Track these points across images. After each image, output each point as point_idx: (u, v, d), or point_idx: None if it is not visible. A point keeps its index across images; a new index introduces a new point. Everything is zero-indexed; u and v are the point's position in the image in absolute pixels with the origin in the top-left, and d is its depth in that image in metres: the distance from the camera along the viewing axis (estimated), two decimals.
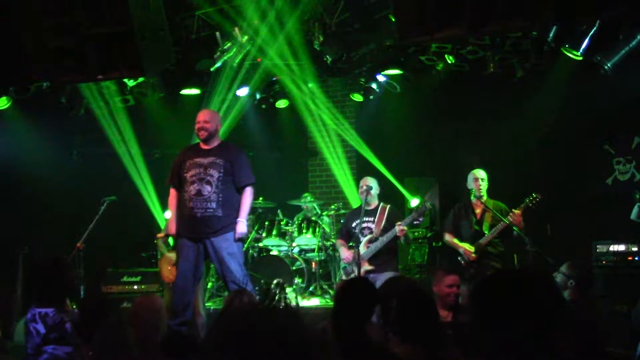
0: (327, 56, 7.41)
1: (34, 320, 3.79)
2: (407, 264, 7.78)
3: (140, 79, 7.65)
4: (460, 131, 8.10)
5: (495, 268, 6.00)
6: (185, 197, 5.60)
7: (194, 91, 8.24)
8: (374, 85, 8.20)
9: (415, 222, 6.41)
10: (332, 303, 6.91)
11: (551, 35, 6.50)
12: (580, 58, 6.50)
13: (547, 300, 1.91)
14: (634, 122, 7.13)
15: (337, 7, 6.95)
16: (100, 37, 3.94)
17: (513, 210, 6.01)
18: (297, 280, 7.60)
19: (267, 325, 1.31)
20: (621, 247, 6.07)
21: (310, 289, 7.75)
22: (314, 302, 7.38)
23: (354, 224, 6.29)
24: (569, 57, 6.58)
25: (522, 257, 6.34)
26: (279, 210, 8.27)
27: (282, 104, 8.90)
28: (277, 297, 5.16)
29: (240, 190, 5.68)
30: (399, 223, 5.99)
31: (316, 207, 8.29)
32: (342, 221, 7.07)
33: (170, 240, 6.56)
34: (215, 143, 5.73)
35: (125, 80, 7.59)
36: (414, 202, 7.96)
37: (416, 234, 7.77)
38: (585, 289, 4.32)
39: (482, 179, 6.23)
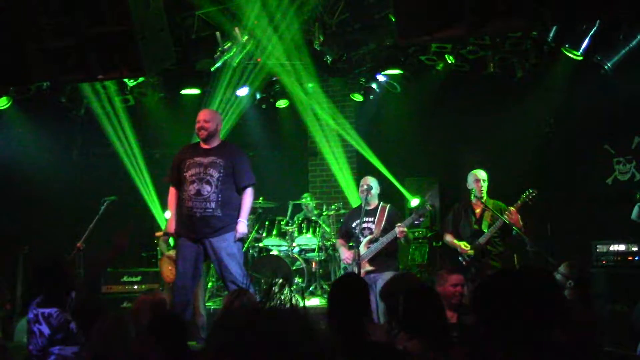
0: (327, 56, 7.41)
1: (37, 321, 3.77)
2: (407, 264, 7.78)
3: (141, 79, 7.65)
4: (461, 131, 8.10)
5: (495, 267, 6.00)
6: (184, 197, 5.60)
7: (194, 91, 8.25)
8: (374, 85, 8.20)
9: (415, 222, 6.41)
10: None
11: (551, 35, 6.51)
12: (580, 58, 6.50)
13: (548, 300, 1.92)
14: (634, 122, 7.13)
15: (337, 7, 6.95)
16: (100, 37, 3.94)
17: (509, 208, 6.02)
18: (297, 280, 7.60)
19: (270, 326, 1.31)
20: (621, 247, 6.07)
21: (310, 289, 7.75)
22: (314, 302, 7.38)
23: (354, 224, 6.29)
24: (569, 57, 6.59)
25: (522, 257, 6.35)
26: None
27: (282, 104, 8.90)
28: (281, 297, 5.16)
29: (240, 191, 5.68)
30: (399, 224, 5.98)
31: (314, 206, 8.29)
32: (342, 221, 7.07)
33: (171, 241, 6.56)
34: (215, 143, 5.73)
35: (125, 80, 7.59)
36: (414, 202, 7.96)
37: (416, 233, 7.78)
38: (584, 289, 4.32)
39: (483, 180, 6.23)
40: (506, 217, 5.92)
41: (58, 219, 8.10)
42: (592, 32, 6.31)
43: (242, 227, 5.60)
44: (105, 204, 6.60)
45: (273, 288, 5.19)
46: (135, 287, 7.46)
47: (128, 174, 8.45)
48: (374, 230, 6.18)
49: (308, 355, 1.30)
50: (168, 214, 6.16)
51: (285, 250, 7.91)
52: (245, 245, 7.60)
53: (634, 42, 6.26)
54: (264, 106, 9.00)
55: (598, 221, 7.02)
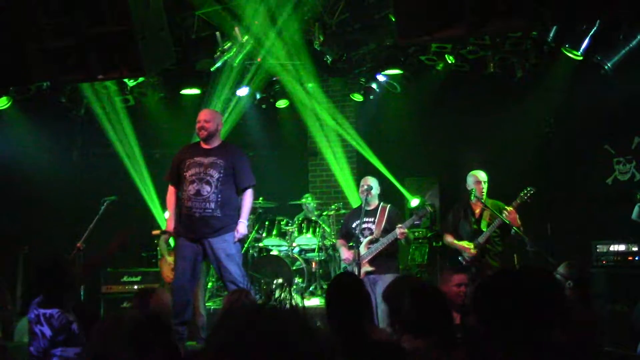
0: (327, 56, 7.41)
1: (38, 322, 3.76)
2: (407, 264, 7.78)
3: (141, 79, 7.65)
4: (461, 131, 8.10)
5: (495, 267, 6.00)
6: (184, 197, 5.60)
7: (194, 91, 8.26)
8: (374, 85, 8.20)
9: (415, 222, 6.42)
10: None
11: (551, 35, 6.51)
12: (580, 58, 6.50)
13: (548, 300, 1.92)
14: (634, 122, 7.13)
15: (337, 7, 6.94)
16: (100, 37, 3.94)
17: (506, 207, 6.02)
18: (297, 280, 7.60)
19: (270, 326, 1.31)
20: (621, 247, 6.07)
21: (311, 289, 7.75)
22: (314, 302, 7.38)
23: (354, 224, 6.28)
24: (569, 57, 6.59)
25: (522, 257, 6.35)
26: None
27: (282, 104, 8.90)
28: (281, 297, 5.16)
29: (240, 192, 5.68)
30: (400, 225, 5.98)
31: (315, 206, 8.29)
32: (342, 221, 7.07)
33: (172, 241, 6.56)
34: (216, 143, 5.73)
35: (125, 80, 7.59)
36: (414, 202, 7.96)
37: (416, 234, 7.77)
38: (584, 289, 4.32)
39: (484, 182, 6.25)
40: (504, 216, 5.93)
41: (58, 219, 8.10)
42: (592, 32, 6.31)
43: (243, 228, 5.61)
44: (105, 204, 6.60)
45: (273, 288, 5.19)
46: (135, 287, 7.46)
47: (128, 174, 8.45)
48: (374, 230, 6.18)
49: (308, 355, 1.30)
50: (167, 215, 6.16)
51: (285, 250, 7.91)
52: (245, 246, 7.61)
53: (634, 42, 6.26)
54: (264, 106, 8.99)
55: (598, 221, 7.02)
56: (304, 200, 8.12)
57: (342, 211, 8.07)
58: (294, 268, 7.69)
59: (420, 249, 7.94)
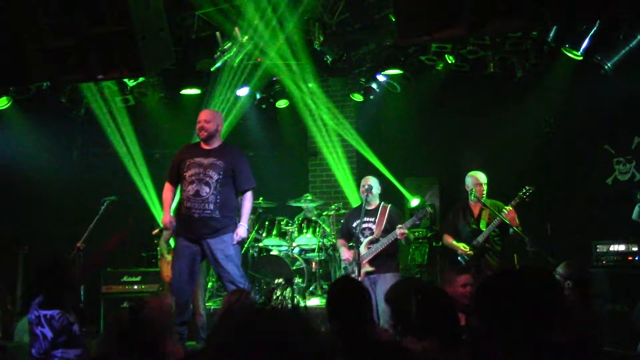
0: (327, 56, 7.41)
1: (39, 323, 3.74)
2: (407, 264, 7.78)
3: (141, 79, 7.65)
4: (461, 131, 8.10)
5: (494, 266, 6.01)
6: (183, 197, 5.61)
7: (194, 91, 8.25)
8: (374, 85, 8.20)
9: (415, 223, 6.42)
10: None
11: (551, 35, 6.51)
12: (580, 58, 6.51)
13: (548, 300, 1.92)
14: (634, 122, 7.13)
15: (337, 7, 6.95)
16: (100, 37, 3.94)
17: (505, 207, 6.02)
18: (297, 280, 7.60)
19: (270, 326, 1.31)
20: (621, 247, 6.07)
21: (311, 289, 7.75)
22: (314, 302, 7.38)
23: (354, 224, 6.28)
24: (569, 57, 6.59)
25: (522, 257, 6.35)
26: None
27: (282, 104, 8.90)
28: (282, 297, 5.16)
29: (239, 194, 5.67)
30: (400, 226, 5.98)
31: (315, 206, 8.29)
32: (342, 221, 7.07)
33: (172, 241, 6.57)
34: (216, 143, 5.72)
35: (126, 80, 7.60)
36: (414, 202, 7.96)
37: (416, 234, 7.78)
38: (583, 290, 4.32)
39: (484, 183, 6.25)
40: (503, 215, 5.93)
41: (58, 219, 8.10)
42: (592, 32, 6.31)
43: (242, 231, 5.61)
44: (105, 204, 6.60)
45: (274, 288, 5.18)
46: (135, 287, 7.46)
47: (128, 174, 8.45)
48: (374, 230, 6.18)
49: (308, 355, 1.30)
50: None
51: (285, 250, 7.91)
52: (245, 246, 7.61)
53: (634, 42, 6.26)
54: (264, 106, 8.99)
55: (598, 221, 7.02)
56: (303, 200, 8.11)
57: (342, 211, 8.07)
58: (294, 268, 7.69)
59: (420, 249, 7.94)
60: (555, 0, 3.46)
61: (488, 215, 6.15)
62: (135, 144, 8.55)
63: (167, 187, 5.80)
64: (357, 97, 8.46)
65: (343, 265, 6.45)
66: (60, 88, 7.64)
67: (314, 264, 7.82)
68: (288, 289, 5.39)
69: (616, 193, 7.23)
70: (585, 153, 7.58)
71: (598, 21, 6.03)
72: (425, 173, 8.56)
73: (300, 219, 8.01)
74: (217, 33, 6.91)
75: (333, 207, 8.18)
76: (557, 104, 7.44)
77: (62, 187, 8.24)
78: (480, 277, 5.26)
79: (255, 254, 7.98)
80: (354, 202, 8.28)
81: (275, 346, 1.28)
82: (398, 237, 5.97)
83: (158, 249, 7.56)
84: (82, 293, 6.53)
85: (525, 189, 6.00)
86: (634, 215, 6.09)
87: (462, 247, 6.10)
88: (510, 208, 5.99)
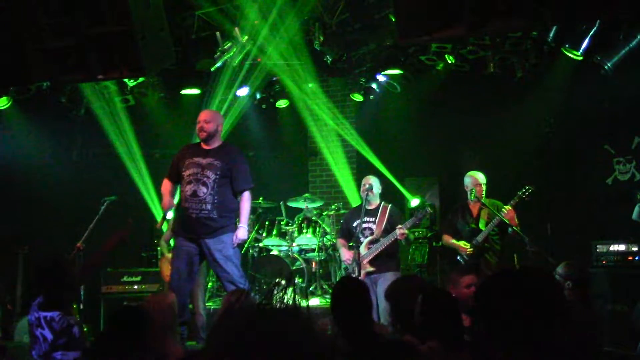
0: (327, 56, 7.41)
1: (39, 325, 3.73)
2: (407, 264, 7.78)
3: (141, 79, 7.65)
4: (460, 131, 8.10)
5: (493, 265, 6.01)
6: (182, 197, 5.62)
7: (194, 91, 8.25)
8: (374, 85, 8.20)
9: (415, 223, 6.42)
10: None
11: (551, 35, 6.51)
12: (580, 58, 6.51)
13: (548, 299, 1.92)
14: (634, 122, 7.13)
15: (337, 7, 6.95)
16: (100, 37, 3.94)
17: (504, 207, 6.02)
18: (297, 280, 7.60)
19: (270, 326, 1.31)
20: (621, 247, 6.07)
21: (311, 289, 7.75)
22: (314, 302, 7.38)
23: (354, 224, 6.28)
24: (569, 57, 6.59)
25: (522, 257, 6.35)
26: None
27: (282, 104, 8.90)
28: (282, 297, 5.15)
29: (237, 194, 5.66)
30: (400, 226, 5.98)
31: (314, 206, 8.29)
32: (342, 221, 7.07)
33: (172, 241, 6.57)
34: (216, 144, 5.72)
35: (125, 80, 7.60)
36: (414, 202, 7.96)
37: (416, 234, 7.77)
38: (583, 290, 4.32)
39: (483, 184, 6.25)
40: (503, 215, 5.93)
41: (58, 219, 8.09)
42: (592, 32, 6.31)
43: (242, 233, 5.58)
44: (105, 204, 6.60)
45: (275, 288, 5.18)
46: (135, 287, 7.46)
47: (128, 174, 8.45)
48: (374, 230, 6.17)
49: (308, 355, 1.30)
50: (169, 215, 6.14)
51: (285, 250, 7.91)
52: (245, 246, 7.61)
53: (634, 42, 6.26)
54: (264, 106, 8.99)
55: (598, 221, 7.02)
56: (303, 200, 8.10)
57: (342, 211, 8.06)
58: (294, 268, 7.69)
59: (420, 249, 7.94)
60: (555, 0, 3.46)
61: (487, 215, 6.15)
62: (135, 144, 8.55)
63: (165, 182, 5.81)
64: (357, 97, 8.46)
65: (343, 265, 6.45)
66: (60, 88, 7.64)
67: (314, 264, 7.82)
68: (288, 289, 5.38)
69: (616, 193, 7.23)
70: (585, 153, 7.58)
71: (598, 21, 6.03)
72: (425, 173, 8.56)
73: (300, 219, 8.01)
74: (217, 33, 6.91)
75: (333, 207, 8.18)
76: (557, 104, 7.44)
77: (62, 187, 8.24)
78: (479, 277, 5.26)
79: (255, 254, 7.98)
80: (354, 202, 8.28)
81: (275, 346, 1.28)
82: (398, 237, 5.97)
83: (158, 248, 7.57)
84: (82, 293, 6.53)
85: (525, 188, 6.00)
86: (634, 215, 6.09)
87: (462, 244, 6.10)
88: (510, 208, 5.99)
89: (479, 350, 2.39)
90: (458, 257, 6.15)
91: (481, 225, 6.16)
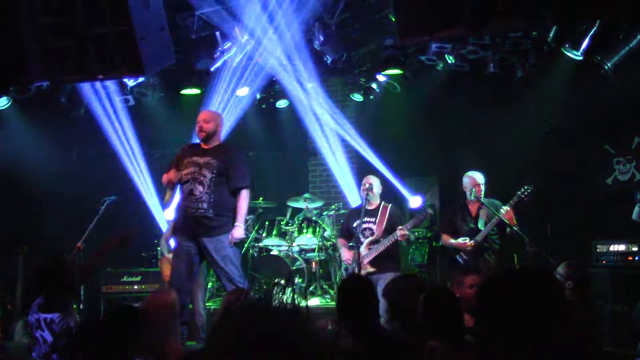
0: (327, 56, 7.41)
1: (39, 327, 3.73)
2: (407, 264, 7.79)
3: (140, 79, 7.65)
4: (461, 131, 8.10)
5: (493, 265, 6.01)
6: (181, 196, 5.63)
7: (194, 91, 8.26)
8: (374, 85, 8.20)
9: (416, 224, 6.42)
10: (332, 303, 6.92)
11: (551, 35, 6.51)
12: (580, 58, 6.50)
13: (548, 299, 1.92)
14: (634, 122, 7.13)
15: (337, 7, 6.95)
16: (100, 37, 3.94)
17: (503, 207, 6.02)
18: (297, 280, 7.60)
19: (270, 326, 1.31)
20: (621, 247, 6.07)
21: (310, 289, 7.75)
22: (314, 302, 7.38)
23: (354, 224, 6.28)
24: (569, 57, 6.59)
25: (522, 257, 6.35)
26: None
27: (282, 104, 8.90)
28: (282, 297, 5.15)
29: (235, 193, 5.65)
30: (400, 227, 5.98)
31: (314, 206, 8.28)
32: (342, 221, 7.06)
33: (172, 242, 6.57)
34: (214, 143, 5.72)
35: (125, 80, 7.60)
36: (414, 202, 7.95)
37: (416, 234, 7.78)
38: (583, 290, 4.32)
39: (482, 184, 6.25)
40: (501, 214, 5.93)
41: (58, 219, 8.09)
42: (592, 32, 6.31)
43: (239, 232, 5.57)
44: (105, 204, 6.60)
45: (275, 288, 5.17)
46: (135, 287, 7.46)
47: (128, 174, 8.45)
48: (375, 230, 6.17)
49: (308, 355, 1.30)
50: (169, 214, 6.14)
51: (285, 250, 7.91)
52: (245, 246, 7.61)
53: (634, 42, 6.26)
54: (264, 106, 9.00)
55: (598, 221, 7.02)
56: (303, 200, 8.10)
57: (342, 211, 8.07)
58: (294, 268, 7.69)
59: (420, 249, 7.94)
60: (555, 0, 3.46)
61: (486, 215, 6.15)
62: (135, 144, 8.55)
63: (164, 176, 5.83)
64: (357, 97, 8.47)
65: (344, 265, 6.44)
66: (60, 88, 7.64)
67: (314, 264, 7.82)
68: (288, 289, 5.38)
69: (616, 193, 7.23)
70: (585, 153, 7.58)
71: (598, 21, 6.02)
72: (425, 173, 8.56)
73: (300, 219, 8.01)
74: (217, 33, 6.91)
75: (333, 207, 8.18)
76: (557, 104, 7.44)
77: (62, 187, 8.24)
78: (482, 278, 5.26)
79: (255, 254, 7.98)
80: (354, 202, 8.28)
81: (275, 346, 1.28)
82: (399, 238, 5.97)
83: (158, 248, 7.57)
84: (82, 293, 6.53)
85: (524, 188, 5.99)
86: (634, 215, 6.09)
87: (462, 240, 6.09)
88: (508, 208, 5.98)
89: (482, 350, 2.39)
90: (457, 257, 6.15)
91: (480, 225, 6.15)
